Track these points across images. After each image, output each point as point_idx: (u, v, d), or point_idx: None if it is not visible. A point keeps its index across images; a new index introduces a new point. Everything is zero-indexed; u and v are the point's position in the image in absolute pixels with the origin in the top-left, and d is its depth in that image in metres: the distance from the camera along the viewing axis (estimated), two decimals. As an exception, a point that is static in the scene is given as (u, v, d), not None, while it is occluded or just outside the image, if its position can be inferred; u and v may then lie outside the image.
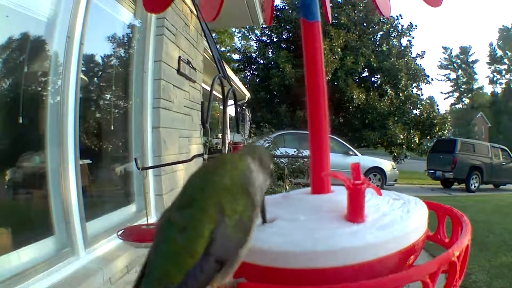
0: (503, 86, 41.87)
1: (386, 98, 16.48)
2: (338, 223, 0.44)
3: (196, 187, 0.38)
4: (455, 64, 45.94)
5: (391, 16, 17.86)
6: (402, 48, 18.09)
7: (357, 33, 17.03)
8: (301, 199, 0.56)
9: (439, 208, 0.62)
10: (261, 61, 18.02)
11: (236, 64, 18.64)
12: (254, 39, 19.47)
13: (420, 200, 0.54)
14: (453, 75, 46.29)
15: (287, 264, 0.41)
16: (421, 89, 19.02)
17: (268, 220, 0.46)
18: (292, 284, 0.41)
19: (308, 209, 0.50)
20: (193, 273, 0.33)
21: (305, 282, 0.41)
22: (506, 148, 11.92)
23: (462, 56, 45.30)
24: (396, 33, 18.05)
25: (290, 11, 17.04)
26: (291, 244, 0.41)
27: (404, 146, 16.54)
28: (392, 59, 16.85)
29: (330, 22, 0.83)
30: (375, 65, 16.58)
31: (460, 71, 45.76)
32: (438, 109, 20.02)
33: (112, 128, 2.59)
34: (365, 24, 17.61)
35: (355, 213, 0.44)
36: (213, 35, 3.80)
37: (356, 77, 16.99)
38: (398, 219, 0.45)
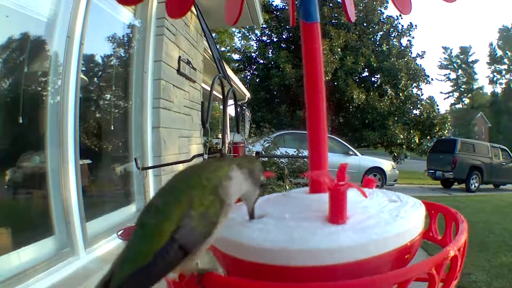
0: (503, 86, 41.90)
1: (386, 98, 16.48)
2: (320, 223, 0.45)
3: (176, 182, 0.44)
4: (455, 64, 45.96)
5: (391, 16, 17.89)
6: (402, 48, 18.09)
7: (357, 33, 17.02)
8: (296, 198, 0.56)
9: (446, 211, 0.60)
10: (261, 61, 18.02)
11: (236, 64, 18.63)
12: (254, 39, 19.47)
13: (420, 203, 0.53)
14: (453, 75, 46.34)
15: (264, 260, 0.43)
16: (421, 89, 19.04)
17: (257, 217, 0.49)
18: (269, 280, 0.42)
19: (298, 208, 0.50)
20: (161, 254, 0.36)
21: (280, 279, 0.42)
22: (506, 148, 11.92)
23: (462, 56, 45.32)
24: (396, 33, 18.05)
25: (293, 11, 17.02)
26: (268, 241, 0.43)
27: (404, 146, 16.53)
28: (392, 59, 16.85)
29: (352, 21, 0.82)
30: (375, 65, 16.59)
31: (460, 71, 45.77)
32: (438, 109, 20.03)
33: (112, 128, 2.59)
34: (365, 24, 17.60)
35: (335, 214, 0.44)
36: (213, 35, 3.80)
37: (356, 77, 16.99)
38: (382, 222, 0.44)
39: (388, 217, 0.45)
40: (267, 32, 18.11)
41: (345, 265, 0.40)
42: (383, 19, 17.69)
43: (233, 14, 0.77)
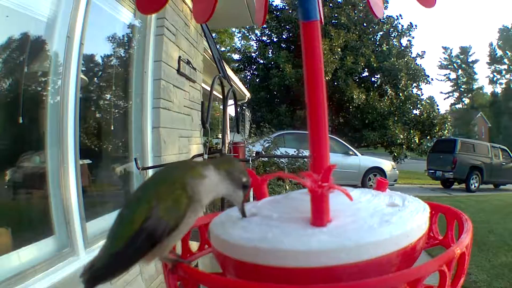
0: (503, 86, 41.91)
1: (386, 98, 16.48)
2: (301, 225, 0.44)
3: (152, 180, 0.50)
4: (455, 64, 45.96)
5: (391, 16, 17.88)
6: (402, 48, 18.08)
7: (357, 33, 17.02)
8: (293, 199, 0.56)
9: (459, 219, 0.57)
10: (261, 61, 18.01)
11: (236, 64, 18.63)
12: (254, 39, 19.47)
13: (424, 209, 0.49)
14: (453, 75, 46.34)
15: (240, 256, 0.44)
16: (421, 89, 19.03)
17: (249, 216, 0.51)
18: (249, 278, 0.43)
19: (289, 209, 0.50)
20: (132, 241, 0.41)
21: (257, 277, 0.42)
22: (506, 148, 11.93)
23: (462, 56, 45.32)
24: (396, 33, 18.04)
25: (290, 11, 17.05)
26: (243, 239, 0.44)
27: (404, 146, 16.53)
28: (392, 59, 16.84)
29: (379, 17, 0.81)
30: (375, 65, 16.58)
31: (460, 71, 45.77)
32: (438, 109, 20.01)
33: (112, 128, 2.59)
34: (365, 24, 17.60)
35: (314, 216, 0.44)
36: (213, 35, 3.80)
37: (356, 77, 16.99)
38: (365, 228, 0.42)
39: (375, 223, 0.43)
40: (267, 32, 18.10)
41: (312, 269, 0.39)
42: (383, 19, 17.68)
43: (260, 15, 0.79)
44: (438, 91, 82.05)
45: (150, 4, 0.69)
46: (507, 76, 41.52)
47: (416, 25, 18.08)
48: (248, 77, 18.34)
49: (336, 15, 16.78)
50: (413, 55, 18.42)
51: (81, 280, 0.42)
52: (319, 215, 0.43)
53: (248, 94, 9.20)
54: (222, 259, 0.48)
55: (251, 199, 0.65)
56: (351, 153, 9.64)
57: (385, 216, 0.45)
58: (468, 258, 0.46)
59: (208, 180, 0.47)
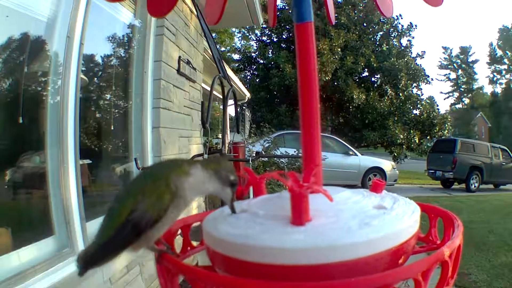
0: (503, 86, 41.92)
1: (386, 98, 16.48)
2: (282, 223, 0.45)
3: (141, 176, 0.54)
4: (455, 64, 45.97)
5: (391, 16, 17.87)
6: (402, 48, 18.09)
7: (357, 33, 17.02)
8: (284, 198, 0.55)
9: (453, 224, 0.56)
10: (261, 61, 18.02)
11: (236, 64, 18.63)
12: (254, 39, 19.46)
13: (411, 213, 0.48)
14: (453, 75, 46.36)
15: (225, 251, 0.45)
16: (421, 89, 19.05)
17: (238, 212, 0.53)
18: (230, 270, 0.44)
19: (277, 207, 0.51)
20: (119, 231, 0.45)
21: (239, 271, 0.43)
22: (506, 148, 11.93)
23: (462, 56, 45.33)
24: (396, 33, 18.05)
25: (290, 11, 17.05)
26: (230, 234, 0.45)
27: (404, 146, 16.53)
28: (392, 59, 16.84)
29: (388, 16, 0.82)
30: (375, 65, 16.58)
31: (460, 71, 45.79)
32: (438, 109, 20.04)
33: (112, 128, 2.60)
34: (365, 24, 17.60)
35: (294, 215, 0.44)
36: (213, 35, 3.80)
37: (356, 77, 16.99)
38: (343, 230, 0.41)
39: (354, 225, 0.42)
40: (267, 32, 18.11)
41: (287, 267, 0.40)
42: (383, 19, 17.68)
43: (271, 15, 0.83)
44: (438, 91, 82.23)
45: (160, 7, 0.69)
46: (507, 76, 41.55)
47: (416, 25, 18.12)
48: (248, 77, 18.34)
49: (336, 15, 16.77)
50: (413, 55, 18.46)
51: (76, 265, 0.46)
52: (298, 215, 0.44)
53: (248, 94, 9.21)
54: (211, 254, 0.49)
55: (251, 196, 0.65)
56: (351, 153, 9.64)
57: (366, 219, 0.44)
58: (455, 265, 0.45)
59: (193, 178, 0.49)
